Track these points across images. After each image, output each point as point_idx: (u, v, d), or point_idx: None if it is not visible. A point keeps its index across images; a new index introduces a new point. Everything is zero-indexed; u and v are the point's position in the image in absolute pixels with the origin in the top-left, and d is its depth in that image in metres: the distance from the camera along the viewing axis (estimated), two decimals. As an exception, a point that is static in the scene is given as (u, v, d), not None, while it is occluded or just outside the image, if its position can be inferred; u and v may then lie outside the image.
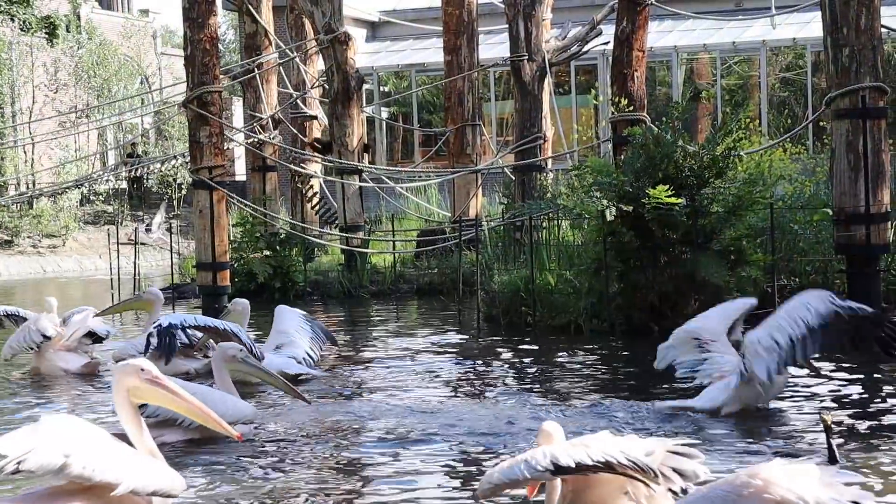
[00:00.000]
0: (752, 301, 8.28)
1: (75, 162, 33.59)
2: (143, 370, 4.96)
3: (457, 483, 5.73)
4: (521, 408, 7.59)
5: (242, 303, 10.36)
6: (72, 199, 33.12)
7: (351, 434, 7.18)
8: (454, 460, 6.27)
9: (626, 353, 10.40)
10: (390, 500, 5.53)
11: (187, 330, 9.10)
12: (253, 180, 21.52)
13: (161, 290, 18.93)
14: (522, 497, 4.93)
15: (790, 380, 7.79)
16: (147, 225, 31.57)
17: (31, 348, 10.00)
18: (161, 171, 33.69)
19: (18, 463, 4.43)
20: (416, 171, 25.57)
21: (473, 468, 5.96)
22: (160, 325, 8.76)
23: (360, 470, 6.18)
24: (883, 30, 12.11)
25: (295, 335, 9.68)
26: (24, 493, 4.81)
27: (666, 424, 6.99)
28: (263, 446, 6.88)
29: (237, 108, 33.74)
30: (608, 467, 4.21)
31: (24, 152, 33.58)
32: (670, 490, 4.36)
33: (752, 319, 7.96)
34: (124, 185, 35.42)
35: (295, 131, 21.85)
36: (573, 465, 4.18)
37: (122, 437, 4.89)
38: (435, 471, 6.07)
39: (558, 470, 4.20)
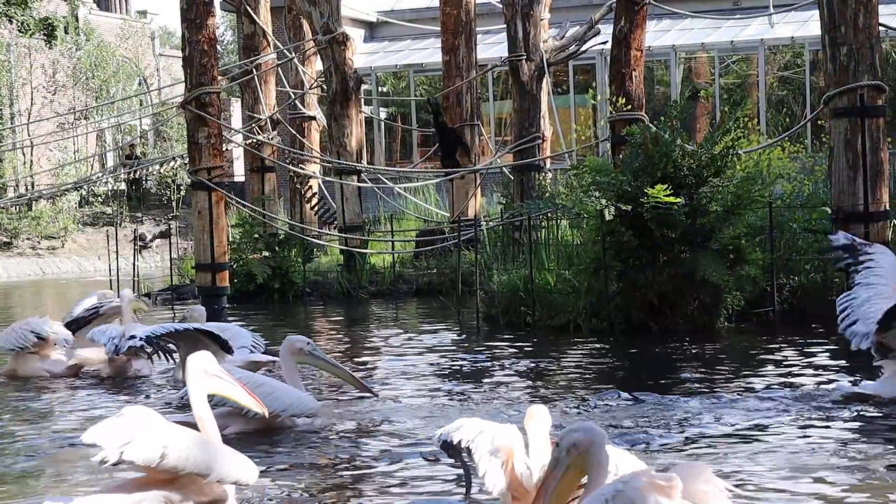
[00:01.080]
0: None
1: (74, 164, 33.59)
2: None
3: (453, 483, 5.72)
4: (519, 405, 7.59)
5: (199, 310, 10.22)
6: (71, 200, 33.12)
7: (353, 434, 7.17)
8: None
9: (626, 352, 10.40)
10: (392, 499, 5.53)
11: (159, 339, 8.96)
12: (252, 181, 21.51)
13: (160, 291, 19.16)
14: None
15: None
16: (146, 242, 31.59)
17: (20, 348, 9.76)
18: (160, 173, 33.68)
19: (121, 453, 4.71)
20: (414, 172, 25.56)
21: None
22: (151, 334, 8.87)
23: (362, 470, 6.18)
24: (881, 28, 12.11)
25: (232, 327, 9.80)
26: (110, 484, 5.12)
27: (659, 420, 6.99)
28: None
29: (236, 109, 33.74)
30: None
31: (23, 154, 33.57)
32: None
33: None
34: (123, 186, 35.42)
35: (293, 132, 21.85)
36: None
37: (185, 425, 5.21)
38: (434, 469, 6.07)
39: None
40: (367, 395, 8.00)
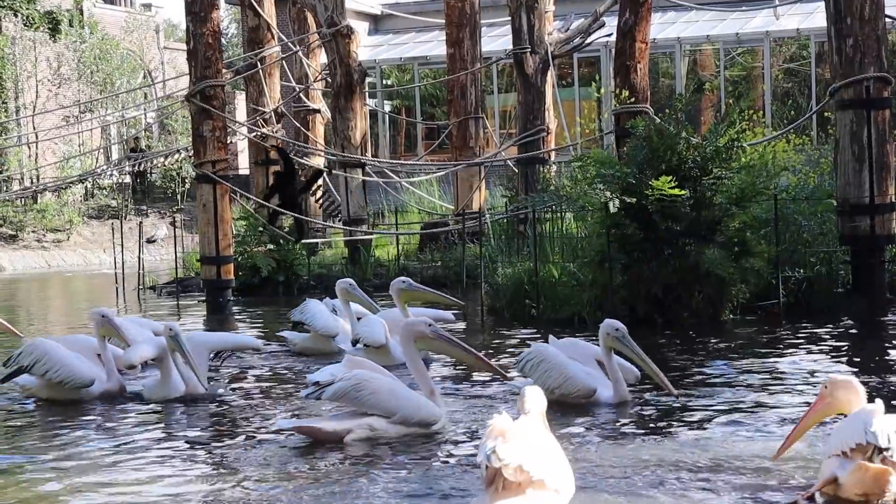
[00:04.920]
0: None
1: (79, 157, 33.61)
2: (430, 325, 6.70)
3: (461, 475, 5.72)
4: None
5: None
6: (76, 193, 33.14)
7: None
8: (458, 453, 6.27)
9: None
10: (396, 495, 5.53)
11: None
12: (256, 174, 21.53)
13: (165, 284, 19.17)
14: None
15: None
16: (150, 237, 31.60)
17: None
18: (164, 166, 33.69)
19: (321, 393, 6.49)
20: (419, 165, 25.56)
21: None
22: None
23: (366, 465, 6.18)
24: (887, 20, 12.08)
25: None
26: None
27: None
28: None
29: (240, 102, 33.71)
30: None
31: (28, 147, 33.60)
32: None
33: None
34: (128, 179, 35.43)
35: (298, 125, 21.85)
36: None
37: None
38: (441, 463, 6.07)
39: None
40: (498, 377, 7.54)
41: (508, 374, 7.77)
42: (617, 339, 7.24)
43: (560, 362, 7.39)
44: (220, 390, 8.37)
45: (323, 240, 20.14)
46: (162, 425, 7.37)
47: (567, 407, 7.19)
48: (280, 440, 6.60)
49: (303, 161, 20.95)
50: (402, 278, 9.82)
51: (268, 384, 8.85)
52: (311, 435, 6.53)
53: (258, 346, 9.24)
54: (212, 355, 8.62)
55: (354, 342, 9.40)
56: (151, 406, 7.92)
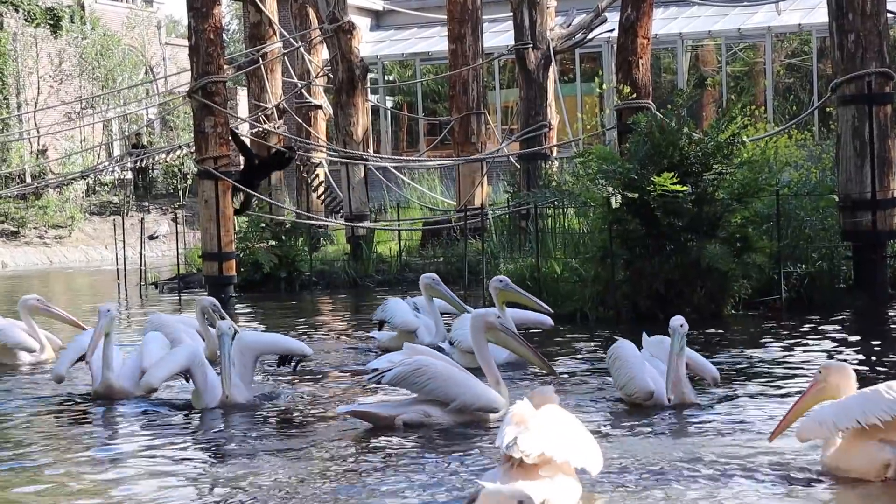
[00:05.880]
0: None
1: (81, 153, 33.62)
2: (498, 317, 6.86)
3: (469, 468, 5.72)
4: (525, 393, 7.57)
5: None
6: (77, 189, 33.15)
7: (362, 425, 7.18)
8: (466, 448, 6.28)
9: (633, 340, 10.37)
10: (401, 488, 5.54)
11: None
12: (258, 170, 21.48)
13: (167, 280, 19.18)
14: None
15: None
16: (152, 233, 31.62)
17: None
18: (166, 162, 33.69)
19: (381, 378, 6.67)
20: (421, 160, 25.56)
21: (486, 461, 5.95)
22: None
23: (372, 460, 6.19)
24: (889, 15, 12.07)
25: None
26: None
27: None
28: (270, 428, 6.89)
29: (242, 98, 33.71)
30: None
31: (30, 143, 33.61)
32: None
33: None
34: (130, 175, 35.44)
35: (300, 121, 21.85)
36: None
37: None
38: (450, 454, 6.08)
39: None
40: (549, 375, 7.72)
41: (556, 371, 8.03)
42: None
43: (629, 362, 7.14)
44: (274, 394, 7.89)
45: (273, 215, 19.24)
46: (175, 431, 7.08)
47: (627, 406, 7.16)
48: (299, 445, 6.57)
49: (306, 156, 20.94)
50: (500, 277, 9.21)
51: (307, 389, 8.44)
52: (367, 419, 6.66)
53: (306, 353, 8.09)
54: (260, 359, 8.08)
55: (452, 343, 9.16)
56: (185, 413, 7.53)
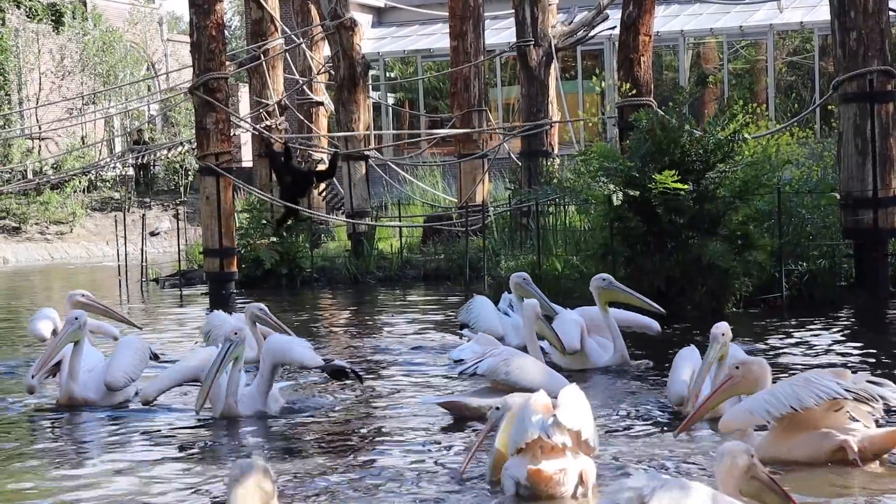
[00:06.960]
0: None
1: (82, 149, 33.61)
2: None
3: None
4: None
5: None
6: (79, 186, 33.14)
7: (364, 422, 7.18)
8: (464, 448, 6.29)
9: (634, 337, 10.38)
10: (404, 486, 5.54)
11: None
12: (259, 166, 21.49)
13: (168, 276, 19.19)
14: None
15: None
16: (153, 230, 31.61)
17: None
18: (168, 158, 33.68)
19: (475, 368, 6.95)
20: (422, 157, 25.56)
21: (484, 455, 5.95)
22: None
23: (373, 458, 6.20)
24: (891, 13, 12.07)
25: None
26: None
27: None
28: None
29: (243, 95, 33.69)
30: None
31: (32, 140, 33.60)
32: None
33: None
34: (131, 171, 35.43)
35: (301, 117, 21.84)
36: None
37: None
38: (449, 457, 6.08)
39: None
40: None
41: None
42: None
43: (676, 365, 6.99)
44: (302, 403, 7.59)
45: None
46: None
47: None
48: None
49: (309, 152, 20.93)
50: (603, 275, 8.73)
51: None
52: (455, 410, 6.82)
53: (313, 366, 7.41)
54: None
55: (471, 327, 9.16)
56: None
